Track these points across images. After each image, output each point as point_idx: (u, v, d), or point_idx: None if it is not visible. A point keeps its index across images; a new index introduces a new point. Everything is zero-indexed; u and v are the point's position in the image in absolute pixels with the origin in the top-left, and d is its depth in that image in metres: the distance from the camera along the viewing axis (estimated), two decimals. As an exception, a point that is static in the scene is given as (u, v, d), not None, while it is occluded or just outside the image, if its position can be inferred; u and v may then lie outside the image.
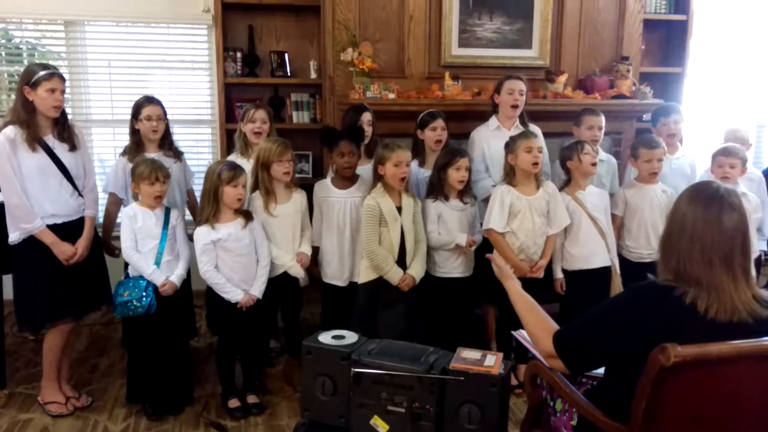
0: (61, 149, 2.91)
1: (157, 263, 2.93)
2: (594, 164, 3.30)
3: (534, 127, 3.65)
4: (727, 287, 1.62)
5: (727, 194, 1.69)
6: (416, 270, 3.15)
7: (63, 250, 2.90)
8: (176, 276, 2.98)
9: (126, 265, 3.04)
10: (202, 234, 2.93)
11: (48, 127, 2.89)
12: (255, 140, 3.43)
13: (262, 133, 3.42)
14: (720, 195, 1.68)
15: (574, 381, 2.00)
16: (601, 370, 1.86)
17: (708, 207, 1.66)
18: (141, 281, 2.90)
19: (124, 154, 3.29)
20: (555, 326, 1.88)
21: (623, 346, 1.67)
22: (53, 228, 2.88)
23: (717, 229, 1.64)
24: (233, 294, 2.94)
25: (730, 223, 1.65)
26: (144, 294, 2.87)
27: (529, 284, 3.23)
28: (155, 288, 2.91)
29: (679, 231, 1.68)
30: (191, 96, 4.69)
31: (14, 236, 2.86)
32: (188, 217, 3.62)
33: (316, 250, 3.32)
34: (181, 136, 4.57)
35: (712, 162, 3.47)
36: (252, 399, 3.10)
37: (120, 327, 3.79)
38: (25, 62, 4.50)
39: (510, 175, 3.24)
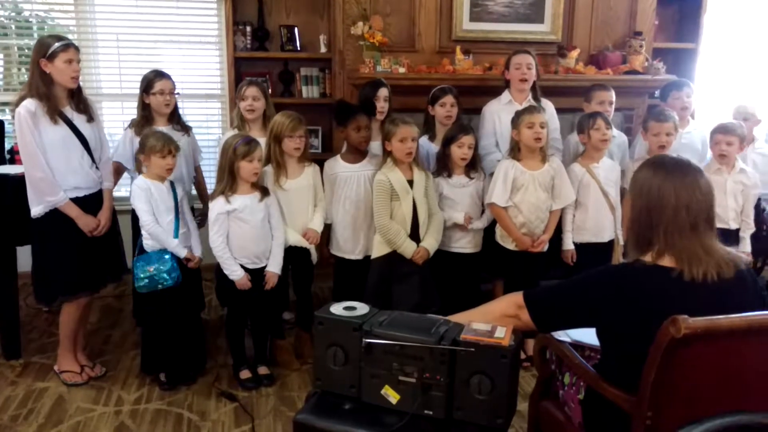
0: (79, 120, 2.92)
1: (175, 236, 2.96)
2: (604, 140, 3.29)
3: (546, 102, 3.64)
4: (714, 246, 1.67)
5: (687, 160, 1.76)
6: (430, 243, 3.16)
7: (87, 222, 2.92)
8: (198, 251, 3.05)
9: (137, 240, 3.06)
10: (218, 204, 2.94)
11: (65, 98, 2.89)
12: (249, 117, 3.40)
13: (255, 110, 3.39)
14: (686, 162, 1.74)
15: (583, 354, 2.03)
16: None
17: (685, 175, 1.69)
18: (166, 255, 2.92)
19: (131, 126, 3.31)
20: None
21: (595, 320, 1.75)
22: (75, 201, 2.89)
23: (699, 193, 1.68)
24: (234, 271, 2.95)
25: (707, 186, 1.70)
26: (172, 266, 2.90)
27: (533, 260, 3.27)
28: (179, 260, 2.95)
29: (659, 205, 1.69)
30: (201, 70, 4.68)
31: (38, 210, 2.86)
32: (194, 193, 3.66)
33: (327, 228, 3.33)
34: (191, 111, 4.59)
35: (711, 139, 3.46)
36: (263, 370, 3.15)
37: (131, 299, 3.83)
38: (35, 36, 4.50)
39: (515, 150, 3.24)
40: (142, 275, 2.89)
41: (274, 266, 3.04)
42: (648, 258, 1.70)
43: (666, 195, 1.67)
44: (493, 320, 1.90)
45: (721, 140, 3.38)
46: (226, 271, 2.96)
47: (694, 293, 1.61)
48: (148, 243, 2.96)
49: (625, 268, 1.74)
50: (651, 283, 1.66)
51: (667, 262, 1.67)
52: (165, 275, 2.89)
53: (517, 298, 1.89)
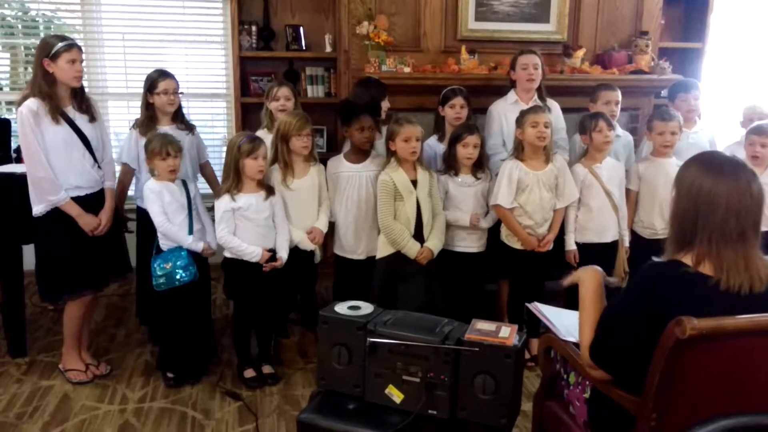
0: (81, 120, 2.93)
1: (190, 233, 2.99)
2: (606, 142, 3.28)
3: (552, 102, 3.63)
4: (755, 257, 1.62)
5: (742, 161, 1.68)
6: (434, 243, 3.16)
7: (88, 221, 2.93)
8: (212, 242, 3.07)
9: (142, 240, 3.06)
10: (223, 202, 2.95)
11: (67, 98, 2.90)
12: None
13: (287, 110, 3.42)
14: (740, 163, 1.66)
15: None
16: None
17: (737, 178, 1.61)
18: (181, 251, 2.95)
19: (135, 126, 3.31)
20: None
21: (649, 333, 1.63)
22: (77, 200, 2.90)
23: (750, 198, 1.60)
24: (251, 252, 2.95)
25: (758, 191, 1.62)
26: (189, 262, 2.93)
27: (538, 259, 3.26)
28: (196, 258, 2.98)
29: (708, 210, 1.61)
30: (206, 70, 4.68)
31: (39, 208, 2.87)
32: (206, 189, 3.66)
33: (331, 226, 3.33)
34: (196, 110, 4.60)
35: (745, 140, 3.44)
36: (267, 369, 3.15)
37: (135, 298, 3.84)
38: (42, 35, 4.51)
39: (519, 150, 3.24)
40: (159, 273, 2.91)
41: (282, 252, 3.05)
42: (688, 261, 1.63)
43: (716, 200, 1.60)
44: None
45: (755, 141, 3.35)
46: (245, 257, 2.96)
47: (726, 303, 1.57)
48: (163, 242, 2.98)
49: (665, 273, 1.64)
50: (689, 291, 1.60)
51: (707, 269, 1.61)
52: (181, 271, 2.92)
53: (586, 356, 1.78)
